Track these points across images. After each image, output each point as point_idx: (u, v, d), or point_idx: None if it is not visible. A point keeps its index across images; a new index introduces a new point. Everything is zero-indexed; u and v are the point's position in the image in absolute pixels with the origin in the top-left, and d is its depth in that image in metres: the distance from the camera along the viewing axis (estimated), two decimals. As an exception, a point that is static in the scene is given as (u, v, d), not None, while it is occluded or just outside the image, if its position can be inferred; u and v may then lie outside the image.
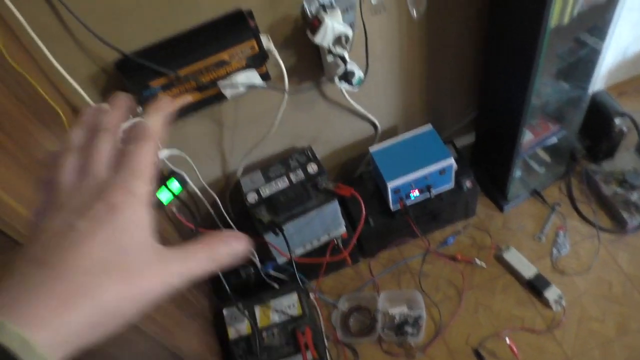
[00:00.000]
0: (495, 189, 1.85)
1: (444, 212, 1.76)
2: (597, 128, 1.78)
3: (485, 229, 1.80)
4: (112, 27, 1.09)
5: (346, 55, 1.28)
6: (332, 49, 1.24)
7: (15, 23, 0.97)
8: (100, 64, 1.14)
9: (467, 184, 1.70)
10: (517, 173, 1.83)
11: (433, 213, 1.73)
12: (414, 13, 1.21)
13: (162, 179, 1.41)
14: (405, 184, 1.58)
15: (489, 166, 1.83)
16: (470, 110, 1.77)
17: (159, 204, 1.40)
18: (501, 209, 1.84)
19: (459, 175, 1.67)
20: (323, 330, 1.67)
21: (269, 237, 1.49)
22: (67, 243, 0.31)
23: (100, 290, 0.30)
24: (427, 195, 1.64)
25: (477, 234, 1.80)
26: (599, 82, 1.97)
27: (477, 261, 1.73)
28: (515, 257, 1.69)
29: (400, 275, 1.76)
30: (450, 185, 1.66)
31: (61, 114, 0.99)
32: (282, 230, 1.44)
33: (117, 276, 0.31)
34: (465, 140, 1.90)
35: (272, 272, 1.63)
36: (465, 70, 1.63)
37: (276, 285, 1.65)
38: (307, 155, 1.57)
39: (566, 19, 1.27)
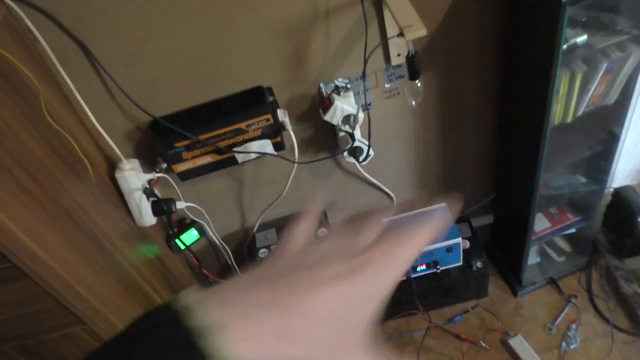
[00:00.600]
0: (511, 272, 1.84)
1: (454, 289, 1.77)
2: (621, 224, 1.75)
3: (495, 312, 1.79)
4: (147, 94, 1.27)
5: (355, 133, 1.39)
6: (341, 126, 1.35)
7: (65, 86, 1.17)
8: (134, 123, 1.32)
9: (478, 264, 1.71)
10: (535, 259, 1.82)
11: (443, 288, 1.76)
12: (413, 103, 1.30)
13: (184, 226, 1.56)
14: (411, 257, 1.62)
15: (505, 249, 1.84)
16: (488, 192, 1.80)
17: (177, 249, 1.55)
18: (515, 293, 1.83)
19: (470, 254, 1.70)
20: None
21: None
22: (311, 284, 0.31)
23: (319, 340, 0.30)
24: (433, 270, 1.68)
25: (487, 315, 1.79)
26: (631, 177, 1.94)
27: (482, 343, 1.71)
28: (521, 345, 1.67)
29: (403, 346, 1.78)
30: (458, 263, 1.69)
31: (88, 165, 1.16)
32: (284, 288, 1.53)
33: (338, 337, 0.31)
34: (484, 220, 1.92)
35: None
36: (481, 154, 1.68)
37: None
38: (320, 219, 1.66)
39: (569, 118, 1.31)
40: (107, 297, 1.12)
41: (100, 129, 1.23)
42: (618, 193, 1.74)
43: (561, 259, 1.82)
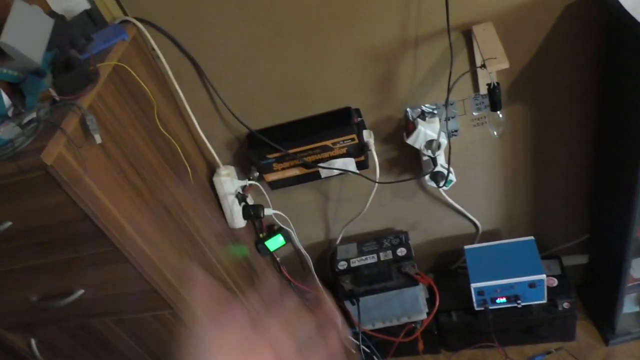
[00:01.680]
0: (604, 318, 1.72)
1: (537, 327, 1.70)
2: None
3: (582, 358, 1.68)
4: (246, 108, 1.40)
5: (438, 159, 1.41)
6: (424, 151, 1.38)
7: (178, 98, 1.34)
8: (233, 134, 1.47)
9: (565, 304, 1.63)
10: (632, 308, 1.68)
11: (525, 324, 1.69)
12: (494, 133, 1.29)
13: (272, 232, 1.68)
14: (490, 288, 1.59)
15: (599, 293, 1.72)
16: (582, 230, 1.70)
17: (265, 251, 1.67)
18: (606, 341, 1.70)
19: (556, 293, 1.62)
20: (387, 408, 1.73)
21: (348, 305, 1.64)
22: None
23: None
24: (513, 304, 1.62)
25: (571, 360, 1.69)
26: None
27: (563, 389, 1.62)
28: (607, 397, 1.56)
29: (477, 378, 1.74)
30: (542, 300, 1.62)
31: (189, 170, 1.31)
32: (358, 301, 1.58)
33: None
34: (578, 260, 1.81)
35: (351, 339, 1.76)
36: (574, 191, 1.60)
37: (353, 351, 1.78)
38: (401, 239, 1.69)
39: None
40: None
41: (203, 137, 1.39)
42: None
43: (664, 311, 1.66)
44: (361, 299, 1.61)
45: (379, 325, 1.74)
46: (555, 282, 1.65)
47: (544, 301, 1.62)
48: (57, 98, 0.98)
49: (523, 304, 1.62)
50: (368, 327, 1.71)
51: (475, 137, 1.47)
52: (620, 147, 1.30)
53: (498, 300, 1.64)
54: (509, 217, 1.71)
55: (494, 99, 1.16)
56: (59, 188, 0.93)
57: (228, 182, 1.43)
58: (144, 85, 1.17)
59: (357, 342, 1.73)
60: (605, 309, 1.69)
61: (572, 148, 1.48)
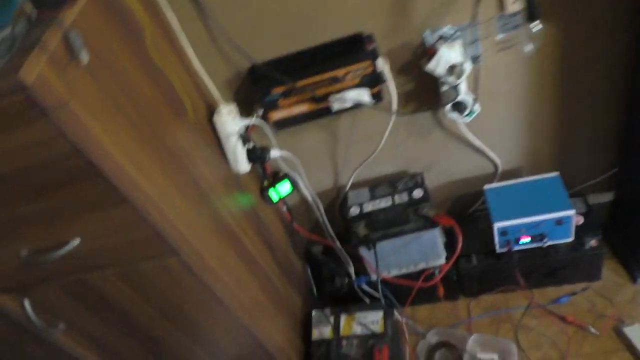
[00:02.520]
0: (631, 256, 1.64)
1: (562, 268, 1.62)
2: None
3: (609, 297, 1.61)
4: (248, 39, 1.27)
5: (460, 86, 1.30)
6: (444, 78, 1.26)
7: (170, 25, 1.20)
8: (233, 68, 1.33)
9: (592, 242, 1.54)
10: (661, 242, 1.60)
11: (549, 266, 1.61)
12: (526, 49, 1.17)
13: (277, 178, 1.56)
14: (515, 227, 1.50)
15: (626, 230, 1.64)
16: (608, 166, 1.60)
17: (270, 200, 1.56)
18: (634, 280, 1.62)
19: (583, 231, 1.53)
20: (407, 357, 1.66)
21: (363, 252, 1.54)
22: None
23: None
24: (539, 244, 1.54)
25: (598, 300, 1.62)
26: None
27: (591, 328, 1.55)
28: (639, 335, 1.49)
29: (499, 323, 1.66)
30: (568, 239, 1.53)
31: (188, 107, 1.18)
32: (374, 246, 1.48)
33: None
34: (604, 197, 1.72)
35: (364, 287, 1.67)
36: (604, 122, 1.49)
37: (367, 300, 1.69)
38: (416, 181, 1.59)
39: None
40: (200, 233, 1.15)
41: (201, 70, 1.26)
42: None
43: (695, 245, 1.59)
44: (377, 245, 1.51)
45: (395, 272, 1.65)
46: (581, 219, 1.56)
47: (571, 239, 1.54)
48: (35, 14, 0.85)
49: (549, 243, 1.53)
50: (384, 275, 1.62)
51: (500, 64, 1.35)
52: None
53: (521, 241, 1.55)
54: (530, 154, 1.61)
55: (532, 6, 1.03)
56: (43, 116, 0.80)
57: (230, 121, 1.31)
58: (132, 6, 1.03)
59: (376, 290, 1.64)
60: (633, 246, 1.61)
61: (605, 75, 1.37)
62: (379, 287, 1.55)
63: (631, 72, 1.34)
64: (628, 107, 1.41)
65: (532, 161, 1.63)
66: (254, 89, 1.31)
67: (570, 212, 1.45)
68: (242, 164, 1.37)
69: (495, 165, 1.64)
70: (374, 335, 1.54)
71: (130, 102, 0.99)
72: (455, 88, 1.29)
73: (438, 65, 1.23)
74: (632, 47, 1.29)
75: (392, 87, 1.30)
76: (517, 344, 1.57)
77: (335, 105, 1.30)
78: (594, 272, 1.64)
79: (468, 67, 1.25)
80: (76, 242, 1.05)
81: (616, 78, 1.38)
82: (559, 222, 1.48)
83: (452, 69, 1.24)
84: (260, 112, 1.36)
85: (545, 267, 1.62)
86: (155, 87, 1.10)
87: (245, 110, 1.38)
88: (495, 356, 1.56)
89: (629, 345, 1.49)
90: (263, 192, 1.55)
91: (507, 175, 1.66)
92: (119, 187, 0.93)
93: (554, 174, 1.55)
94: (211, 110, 1.33)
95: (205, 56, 1.28)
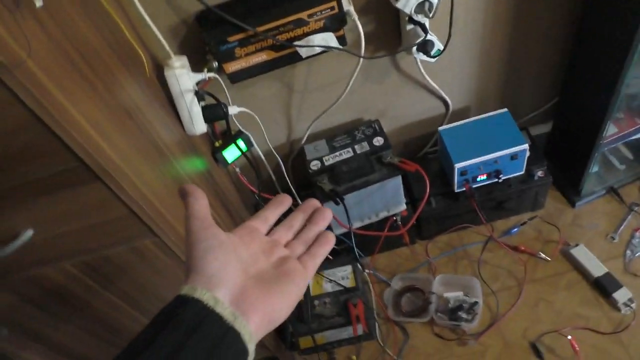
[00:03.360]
0: (568, 182, 1.75)
1: (510, 201, 1.68)
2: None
3: (554, 223, 1.71)
4: (197, -22, 1.09)
5: (427, 24, 1.24)
6: (414, 15, 1.20)
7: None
8: (181, 15, 1.16)
9: (539, 173, 1.62)
10: (594, 168, 1.72)
11: (498, 200, 1.67)
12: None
13: (229, 138, 1.42)
14: (473, 166, 1.52)
15: (563, 158, 1.74)
16: (550, 97, 1.67)
17: (224, 162, 1.42)
18: (573, 204, 1.74)
19: (530, 163, 1.59)
20: (374, 306, 1.66)
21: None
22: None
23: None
24: (494, 180, 1.58)
25: (544, 227, 1.72)
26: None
27: (542, 254, 1.65)
28: (583, 255, 1.60)
29: (457, 260, 1.71)
30: (520, 172, 1.59)
31: (144, 58, 1.00)
32: (342, 200, 1.42)
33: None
34: (540, 129, 1.81)
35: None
36: (550, 54, 1.54)
37: (330, 256, 1.64)
38: (374, 128, 1.54)
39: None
40: (173, 208, 1.00)
41: (147, 18, 1.07)
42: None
43: (622, 167, 1.72)
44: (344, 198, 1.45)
45: (357, 224, 1.61)
46: (528, 151, 1.62)
47: (522, 172, 1.59)
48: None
49: (504, 177, 1.58)
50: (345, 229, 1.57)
51: (460, 0, 1.31)
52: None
53: (479, 179, 1.58)
54: (479, 91, 1.62)
55: None
56: (-8, 79, 0.61)
57: (184, 75, 1.14)
58: None
59: (342, 245, 1.60)
60: (571, 173, 1.72)
61: (558, 6, 1.38)
62: (353, 241, 1.50)
63: (581, 10, 1.37)
64: (574, 41, 1.45)
65: (480, 99, 1.65)
66: (207, 37, 1.14)
67: (525, 146, 1.50)
68: (199, 125, 1.22)
69: (447, 106, 1.63)
70: (346, 291, 1.51)
71: (85, 60, 0.81)
72: (422, 27, 1.23)
73: (408, 1, 1.16)
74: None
75: (360, 28, 1.21)
76: (478, 278, 1.63)
77: (304, 52, 1.18)
78: (539, 202, 1.73)
79: (436, 2, 1.19)
80: (28, 233, 0.86)
81: (566, 14, 1.42)
82: (514, 157, 1.52)
83: (422, 6, 1.18)
84: (215, 64, 1.20)
85: (494, 202, 1.68)
86: (105, 41, 0.91)
87: (195, 63, 1.22)
88: (460, 293, 1.60)
89: (576, 265, 1.61)
90: (216, 153, 1.41)
91: (456, 115, 1.66)
92: (88, 162, 0.76)
93: (504, 110, 1.58)
94: (158, 64, 1.15)
95: (149, 2, 1.08)
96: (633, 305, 1.49)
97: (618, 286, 1.52)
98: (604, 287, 1.53)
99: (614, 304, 1.51)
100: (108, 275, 1.04)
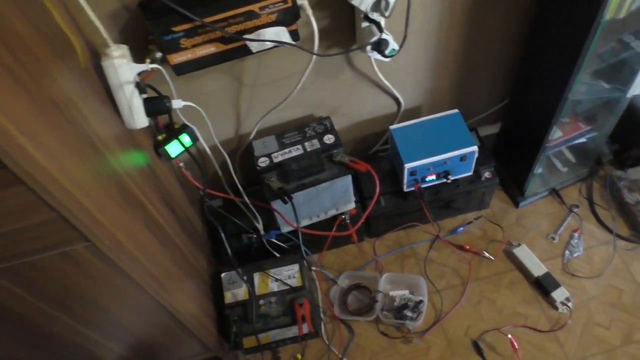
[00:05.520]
0: (513, 183, 1.79)
1: (457, 201, 1.70)
2: (629, 134, 1.71)
3: (498, 223, 1.75)
4: (139, -39, 1.01)
5: (383, 23, 1.21)
6: (370, 14, 1.16)
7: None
8: (122, 1, 1.07)
9: (487, 174, 1.64)
10: (538, 170, 1.76)
11: (446, 200, 1.68)
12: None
13: (173, 132, 1.35)
14: (423, 167, 1.52)
15: (510, 159, 1.77)
16: (500, 98, 1.69)
17: (167, 157, 1.35)
18: (516, 204, 1.78)
19: (478, 164, 1.61)
20: (320, 304, 1.64)
21: (276, 205, 1.43)
22: None
23: None
24: (443, 180, 1.58)
25: (489, 226, 1.75)
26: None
27: (486, 254, 1.68)
28: (525, 254, 1.65)
29: (404, 259, 1.72)
30: (469, 173, 1.60)
31: (77, 47, 0.92)
32: (291, 199, 1.39)
33: None
34: (490, 129, 1.83)
35: (274, 241, 1.58)
36: (502, 58, 1.55)
37: (277, 254, 1.61)
38: (325, 125, 1.50)
39: (623, 13, 1.19)
40: (109, 209, 0.94)
41: (83, 3, 0.98)
42: (631, 102, 1.68)
43: (565, 169, 1.78)
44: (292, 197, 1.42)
45: (305, 222, 1.59)
46: (477, 153, 1.63)
47: (471, 173, 1.61)
48: None
49: (452, 178, 1.59)
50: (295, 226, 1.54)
51: (416, 0, 1.29)
52: (568, 6, 1.22)
53: (428, 179, 1.58)
54: (432, 91, 1.62)
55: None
56: None
57: (124, 66, 1.06)
58: None
59: (289, 243, 1.57)
60: (516, 174, 1.75)
61: (513, 8, 1.39)
62: (300, 240, 1.47)
63: (533, 17, 1.38)
64: (528, 37, 1.46)
65: (432, 99, 1.64)
66: (150, 25, 1.07)
67: (474, 148, 1.51)
68: (140, 118, 1.14)
69: (399, 105, 1.62)
70: (292, 290, 1.48)
71: (8, 50, 0.72)
72: (377, 25, 1.20)
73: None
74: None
75: (314, 24, 1.17)
76: (424, 277, 1.64)
77: (255, 46, 1.12)
78: (485, 201, 1.76)
79: (392, 1, 1.16)
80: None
81: (519, 20, 1.42)
82: (463, 158, 1.53)
83: (378, 3, 1.14)
84: (158, 55, 1.13)
85: (442, 202, 1.69)
86: (32, 26, 0.82)
87: (137, 52, 1.14)
88: (406, 292, 1.61)
89: (518, 264, 1.65)
90: (158, 147, 1.33)
91: (409, 113, 1.66)
92: (8, 164, 0.69)
93: (454, 111, 1.58)
94: (96, 53, 1.07)
95: (84, -17, 0.99)
96: (570, 304, 1.54)
97: (556, 286, 1.57)
98: (543, 287, 1.58)
99: (552, 303, 1.56)
100: (35, 282, 0.96)
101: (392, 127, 1.57)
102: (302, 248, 1.52)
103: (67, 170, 0.81)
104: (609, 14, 1.15)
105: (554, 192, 1.78)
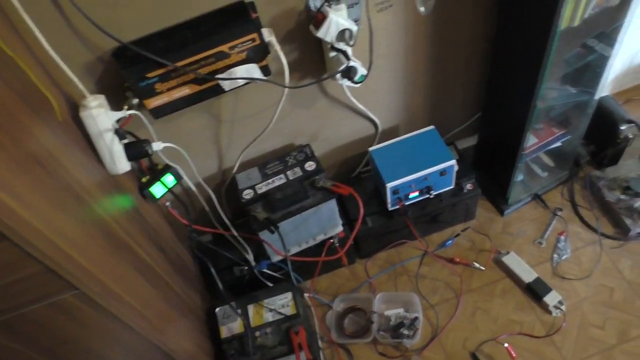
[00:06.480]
0: (496, 192, 1.82)
1: (443, 214, 1.73)
2: (603, 134, 1.76)
3: (485, 233, 1.77)
4: (110, 15, 1.06)
5: (349, 52, 1.25)
6: (335, 44, 1.21)
7: (11, 9, 0.94)
8: (96, 53, 1.11)
9: (468, 186, 1.67)
10: (519, 177, 1.80)
11: (432, 215, 1.71)
12: (422, 9, 1.18)
13: (156, 173, 1.38)
14: (405, 185, 1.55)
15: (490, 169, 1.80)
16: (474, 111, 1.74)
17: (152, 198, 1.37)
18: (502, 212, 1.81)
19: (459, 177, 1.65)
20: (317, 330, 1.65)
21: (264, 235, 1.46)
22: None
23: None
24: (426, 196, 1.61)
25: (477, 237, 1.77)
26: (605, 87, 1.94)
27: (476, 264, 1.70)
28: (514, 261, 1.67)
29: (397, 277, 1.74)
30: (450, 186, 1.63)
31: (53, 102, 0.95)
32: (277, 228, 1.41)
33: None
34: (468, 142, 1.87)
35: (266, 271, 1.59)
36: (471, 71, 1.60)
37: (270, 284, 1.62)
38: (305, 153, 1.54)
39: (577, 21, 1.24)
40: (96, 256, 0.96)
41: (57, 59, 1.02)
42: (599, 103, 1.73)
43: (544, 174, 1.81)
44: (279, 225, 1.44)
45: (295, 249, 1.61)
46: (457, 166, 1.67)
47: (452, 187, 1.64)
48: None
49: (435, 193, 1.62)
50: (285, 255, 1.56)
51: (379, 25, 1.34)
52: (530, 7, 1.27)
53: (411, 196, 1.61)
54: (406, 112, 1.66)
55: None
56: None
57: (102, 115, 1.09)
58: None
59: (281, 272, 1.58)
60: (498, 183, 1.78)
61: (475, 25, 1.44)
62: (290, 268, 1.49)
63: (495, 31, 1.43)
64: (494, 51, 1.51)
65: (408, 118, 1.68)
66: (125, 73, 1.10)
67: (452, 162, 1.54)
68: (122, 163, 1.17)
69: (376, 127, 1.66)
70: (287, 319, 1.49)
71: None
72: (344, 54, 1.25)
73: (328, 31, 1.17)
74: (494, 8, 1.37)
75: (283, 58, 1.21)
76: (417, 293, 1.66)
77: (227, 85, 1.16)
78: (470, 213, 1.79)
79: (355, 30, 1.20)
80: None
81: (482, 35, 1.47)
82: (443, 173, 1.56)
83: (342, 34, 1.19)
84: (135, 101, 1.17)
85: (428, 217, 1.72)
86: (8, 87, 0.85)
87: (114, 100, 1.17)
88: (401, 310, 1.62)
89: (508, 272, 1.67)
90: (143, 189, 1.36)
91: (387, 133, 1.70)
92: (-8, 223, 0.71)
93: (431, 127, 1.62)
94: (74, 105, 1.10)
95: (58, 41, 1.03)
96: (563, 307, 1.56)
97: (548, 290, 1.58)
98: (535, 292, 1.59)
99: (545, 308, 1.58)
100: (27, 334, 0.98)
101: (371, 148, 1.60)
102: (293, 275, 1.54)
103: (50, 223, 0.83)
104: (563, 23, 1.20)
105: (537, 198, 1.81)
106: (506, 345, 1.49)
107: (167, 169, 1.40)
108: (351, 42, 1.20)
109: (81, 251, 0.91)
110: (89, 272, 0.91)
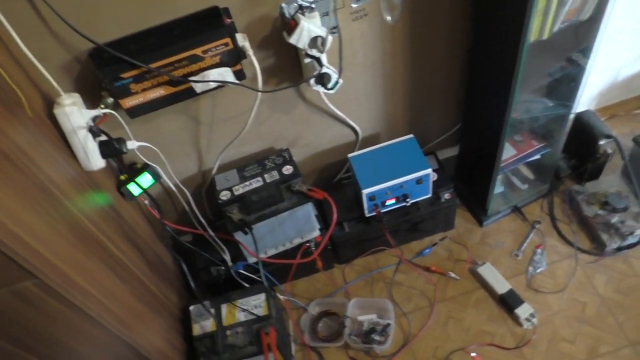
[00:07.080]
0: (476, 203, 1.83)
1: (422, 223, 1.75)
2: (582, 148, 1.77)
3: (463, 243, 1.79)
4: (87, 17, 1.09)
5: (322, 58, 1.28)
6: (308, 50, 1.24)
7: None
8: (73, 53, 1.15)
9: (446, 195, 1.69)
10: (499, 188, 1.82)
11: (411, 223, 1.72)
12: (389, 18, 1.20)
13: (135, 171, 1.41)
14: (381, 191, 1.57)
15: (470, 180, 1.82)
16: (456, 122, 1.76)
17: (130, 195, 1.41)
18: (480, 223, 1.82)
19: (438, 186, 1.66)
20: (291, 332, 1.67)
21: (239, 236, 1.48)
22: None
23: None
24: (403, 204, 1.63)
25: (454, 247, 1.79)
26: (589, 103, 1.96)
27: (451, 274, 1.71)
28: (490, 273, 1.68)
29: (373, 283, 1.75)
30: (427, 195, 1.65)
31: (23, 99, 0.99)
32: (250, 230, 1.44)
33: None
34: (450, 152, 1.89)
35: (243, 272, 1.62)
36: (450, 82, 1.62)
37: (247, 285, 1.65)
38: (284, 157, 1.56)
39: (546, 34, 1.26)
40: (60, 248, 0.99)
41: (32, 57, 1.06)
42: (579, 118, 1.74)
43: (524, 186, 1.82)
44: (253, 227, 1.46)
45: (272, 252, 1.63)
46: (435, 176, 1.69)
47: (430, 195, 1.66)
48: None
49: (411, 201, 1.64)
50: (262, 257, 1.58)
51: (355, 34, 1.37)
52: (501, 21, 1.29)
53: (388, 203, 1.63)
54: (386, 120, 1.68)
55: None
56: None
57: (75, 112, 1.13)
58: None
59: (254, 273, 1.61)
60: (478, 194, 1.80)
61: (451, 29, 1.46)
62: (260, 270, 1.51)
63: (473, 33, 1.45)
64: (470, 64, 1.53)
65: (388, 126, 1.71)
66: (101, 74, 1.14)
67: (428, 171, 1.56)
68: (96, 160, 1.21)
69: (356, 134, 1.68)
70: (259, 319, 1.51)
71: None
72: (318, 61, 1.28)
73: (300, 37, 1.20)
74: (471, 8, 1.40)
75: (255, 63, 1.24)
76: (391, 300, 1.67)
77: (199, 87, 1.19)
78: (449, 222, 1.80)
79: (329, 38, 1.23)
80: None
81: (458, 46, 1.50)
82: (419, 181, 1.58)
83: (314, 41, 1.22)
84: (110, 100, 1.20)
85: (408, 224, 1.73)
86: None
87: (91, 99, 1.21)
88: (374, 315, 1.64)
89: (483, 282, 1.68)
90: (121, 187, 1.39)
91: (367, 141, 1.72)
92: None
93: (409, 136, 1.65)
94: (49, 104, 1.14)
95: (34, 41, 1.07)
96: (534, 320, 1.56)
97: (520, 302, 1.59)
98: (507, 304, 1.60)
99: (516, 320, 1.58)
100: (-7, 322, 1.01)
101: (350, 155, 1.63)
102: (266, 276, 1.56)
103: (13, 214, 0.87)
104: (532, 36, 1.22)
105: (517, 210, 1.82)
106: (473, 354, 1.50)
107: (145, 167, 1.43)
108: (324, 49, 1.23)
109: (44, 242, 0.94)
110: (50, 262, 0.94)
